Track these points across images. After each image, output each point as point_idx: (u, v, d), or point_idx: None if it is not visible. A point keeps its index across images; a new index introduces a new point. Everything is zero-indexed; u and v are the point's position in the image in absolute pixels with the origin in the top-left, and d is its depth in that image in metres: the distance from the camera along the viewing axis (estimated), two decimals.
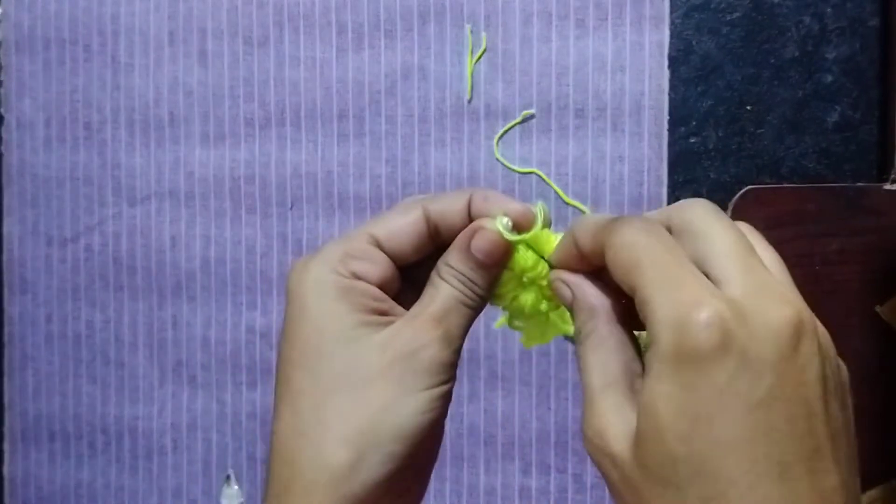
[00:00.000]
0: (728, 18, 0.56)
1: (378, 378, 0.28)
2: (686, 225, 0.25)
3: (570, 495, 0.57)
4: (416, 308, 0.29)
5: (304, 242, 0.59)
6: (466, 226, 0.30)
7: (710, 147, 0.56)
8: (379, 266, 0.29)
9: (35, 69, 0.61)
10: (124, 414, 0.61)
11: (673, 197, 0.56)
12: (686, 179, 0.56)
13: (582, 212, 0.56)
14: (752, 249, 0.24)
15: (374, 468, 0.27)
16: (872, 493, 0.54)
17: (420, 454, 0.28)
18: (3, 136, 0.62)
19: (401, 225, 0.30)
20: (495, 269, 0.30)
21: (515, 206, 0.29)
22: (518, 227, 0.29)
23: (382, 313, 0.29)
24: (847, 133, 0.55)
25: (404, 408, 0.28)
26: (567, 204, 0.56)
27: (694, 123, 0.56)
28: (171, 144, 0.60)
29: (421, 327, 0.28)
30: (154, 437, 0.61)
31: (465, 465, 0.58)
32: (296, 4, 0.58)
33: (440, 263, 0.30)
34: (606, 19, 0.56)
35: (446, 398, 0.29)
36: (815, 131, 0.55)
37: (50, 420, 0.62)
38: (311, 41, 0.58)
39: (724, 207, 0.55)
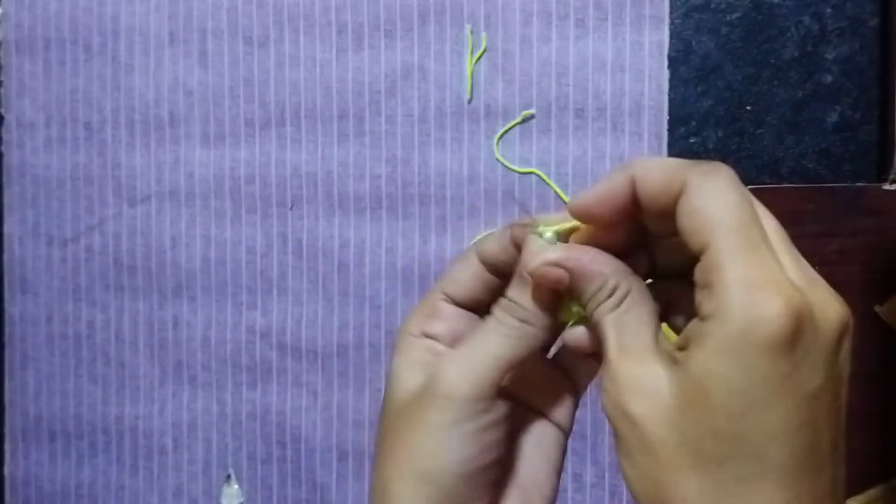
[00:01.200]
0: (728, 18, 0.56)
1: (406, 424, 0.28)
2: None
3: (569, 495, 0.57)
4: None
5: (305, 242, 0.59)
6: (512, 255, 0.29)
7: (709, 147, 0.56)
8: (447, 321, 0.30)
9: (35, 69, 0.61)
10: (125, 414, 0.62)
11: None
12: None
13: None
14: (791, 242, 0.24)
15: None
16: (872, 493, 0.54)
17: (463, 497, 0.27)
18: (4, 136, 0.62)
19: (462, 275, 0.30)
20: (542, 287, 0.27)
21: (552, 215, 0.28)
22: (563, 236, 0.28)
23: None
24: (847, 133, 0.55)
25: (421, 450, 0.27)
26: (567, 204, 0.56)
27: (693, 123, 0.56)
28: (171, 144, 0.60)
29: (438, 365, 0.28)
30: (154, 437, 0.61)
31: None
32: (296, 4, 0.58)
33: None
34: (606, 19, 0.56)
35: (478, 438, 0.27)
36: (815, 131, 0.55)
37: (50, 420, 0.62)
38: (311, 41, 0.58)
39: None
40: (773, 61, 0.55)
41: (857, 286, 0.54)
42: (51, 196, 0.62)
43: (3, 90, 0.62)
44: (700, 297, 0.23)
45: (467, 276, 0.30)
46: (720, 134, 0.56)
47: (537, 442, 0.30)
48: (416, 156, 0.58)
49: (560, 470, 0.31)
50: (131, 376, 0.61)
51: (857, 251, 0.54)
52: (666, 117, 0.56)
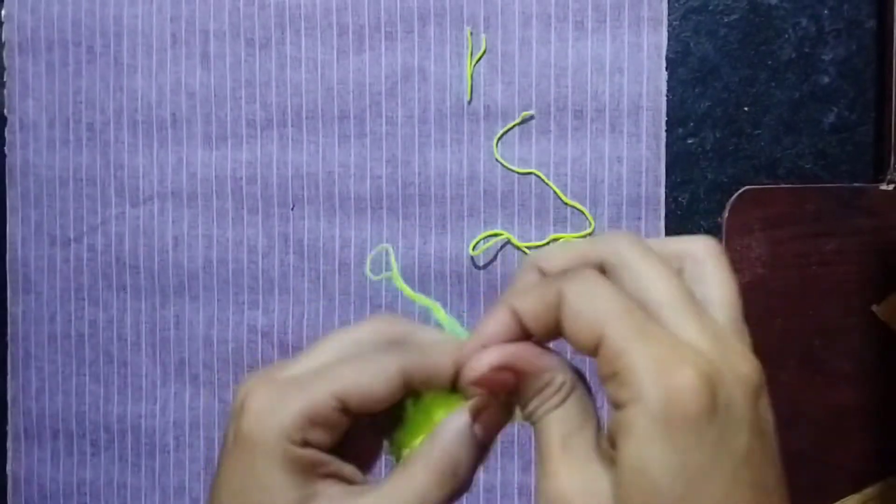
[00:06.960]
0: (726, 20, 0.56)
1: None
2: (621, 262, 0.25)
3: None
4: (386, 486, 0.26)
5: (306, 242, 0.59)
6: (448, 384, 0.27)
7: (707, 148, 0.56)
8: (336, 432, 0.26)
9: (38, 70, 0.62)
10: (127, 412, 0.62)
11: (671, 197, 0.56)
12: (684, 180, 0.56)
13: (581, 212, 0.57)
14: (689, 292, 0.24)
15: None
16: (869, 491, 0.54)
17: None
18: (7, 136, 0.62)
19: (373, 387, 0.26)
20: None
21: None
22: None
23: (330, 475, 0.27)
24: (843, 134, 0.56)
25: None
26: (566, 204, 0.57)
27: (692, 124, 0.56)
28: (173, 145, 0.61)
29: None
30: (156, 436, 0.62)
31: None
32: (297, 6, 0.59)
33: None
34: (605, 21, 0.56)
35: None
36: (812, 132, 0.56)
37: (53, 418, 0.63)
38: (313, 43, 0.59)
39: (721, 208, 0.55)
40: (770, 63, 0.56)
41: (855, 286, 0.54)
42: (53, 196, 0.62)
43: (6, 91, 0.62)
44: (611, 388, 0.23)
45: (378, 389, 0.26)
46: (718, 135, 0.56)
47: None
48: (417, 156, 0.58)
49: None
50: (133, 375, 0.62)
51: (855, 251, 0.54)
52: (664, 118, 0.56)
